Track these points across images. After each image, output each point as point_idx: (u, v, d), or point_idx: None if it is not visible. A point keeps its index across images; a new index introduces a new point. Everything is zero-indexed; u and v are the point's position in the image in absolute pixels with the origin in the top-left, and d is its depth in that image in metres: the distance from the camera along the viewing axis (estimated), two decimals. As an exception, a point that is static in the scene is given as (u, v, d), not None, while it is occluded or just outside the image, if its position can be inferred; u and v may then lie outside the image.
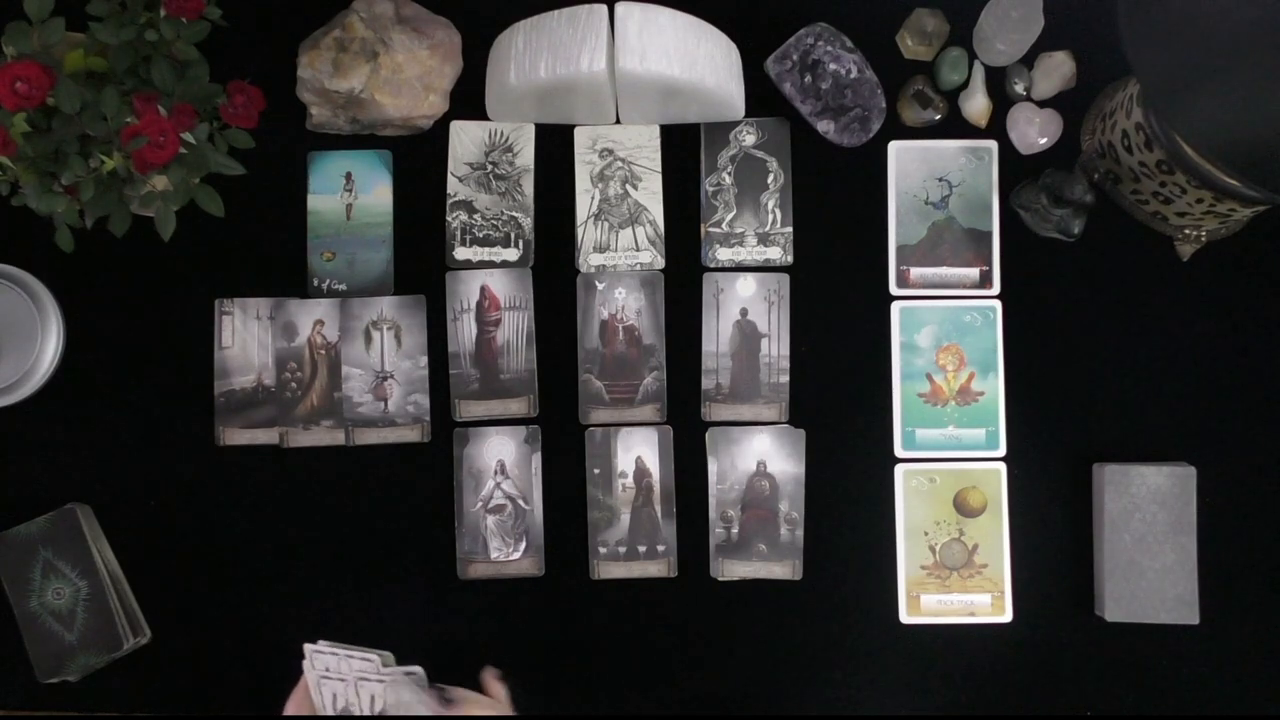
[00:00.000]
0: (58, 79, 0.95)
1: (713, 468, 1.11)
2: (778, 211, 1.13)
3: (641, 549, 1.11)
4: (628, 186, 1.13)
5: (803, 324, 1.12)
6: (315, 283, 1.13)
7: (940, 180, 1.13)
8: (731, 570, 1.11)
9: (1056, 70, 1.13)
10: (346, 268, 1.13)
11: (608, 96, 1.09)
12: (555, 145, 1.14)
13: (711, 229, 1.13)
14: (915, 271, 1.13)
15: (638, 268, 1.13)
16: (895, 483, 1.11)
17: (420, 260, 1.13)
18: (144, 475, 1.11)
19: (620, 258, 1.13)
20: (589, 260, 1.13)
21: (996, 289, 1.13)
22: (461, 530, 1.11)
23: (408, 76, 1.10)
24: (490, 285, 1.13)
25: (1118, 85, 1.11)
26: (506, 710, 0.98)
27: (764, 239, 1.13)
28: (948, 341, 1.12)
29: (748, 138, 1.14)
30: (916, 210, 1.13)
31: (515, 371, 1.12)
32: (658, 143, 1.14)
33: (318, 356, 1.12)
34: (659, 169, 1.14)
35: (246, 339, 1.12)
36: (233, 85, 1.02)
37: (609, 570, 1.11)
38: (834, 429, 1.12)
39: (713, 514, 1.11)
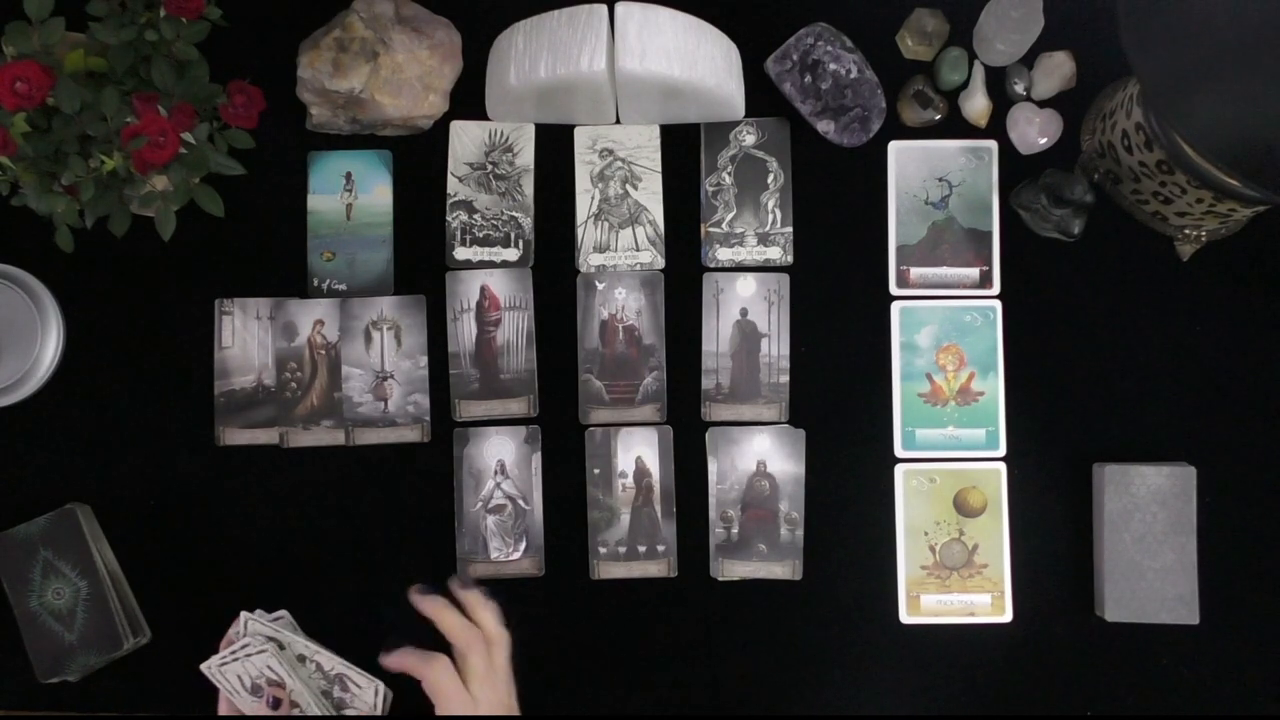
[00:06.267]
0: (58, 79, 0.95)
1: (713, 468, 1.11)
2: (778, 211, 1.13)
3: (641, 549, 1.11)
4: (628, 186, 1.13)
5: (803, 324, 1.13)
6: (315, 283, 1.13)
7: (940, 180, 1.13)
8: (731, 570, 1.11)
9: (1056, 70, 1.13)
10: (346, 268, 1.13)
11: (608, 96, 1.09)
12: (555, 145, 1.14)
13: (711, 229, 1.13)
14: (915, 271, 1.13)
15: (638, 268, 1.13)
16: (895, 483, 1.11)
17: (420, 260, 1.13)
18: (144, 475, 1.11)
19: (620, 258, 1.13)
20: (589, 260, 1.13)
21: (996, 289, 1.13)
22: (461, 530, 1.11)
23: (408, 76, 1.10)
24: (490, 285, 1.13)
25: (1118, 85, 1.11)
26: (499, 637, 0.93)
27: (764, 239, 1.13)
28: (948, 341, 1.12)
29: (748, 138, 1.14)
30: (916, 210, 1.13)
31: (515, 371, 1.12)
32: (658, 143, 1.14)
33: (318, 356, 1.12)
34: (659, 169, 1.14)
35: (246, 339, 1.12)
36: (233, 85, 1.02)
37: (609, 570, 1.11)
38: (834, 429, 1.12)
39: (713, 514, 1.11)
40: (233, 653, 0.93)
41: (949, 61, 1.12)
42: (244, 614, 0.95)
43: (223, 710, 0.95)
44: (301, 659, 0.94)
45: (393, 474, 1.12)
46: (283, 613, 0.96)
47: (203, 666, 0.94)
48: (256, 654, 0.93)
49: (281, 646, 0.93)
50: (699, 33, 1.06)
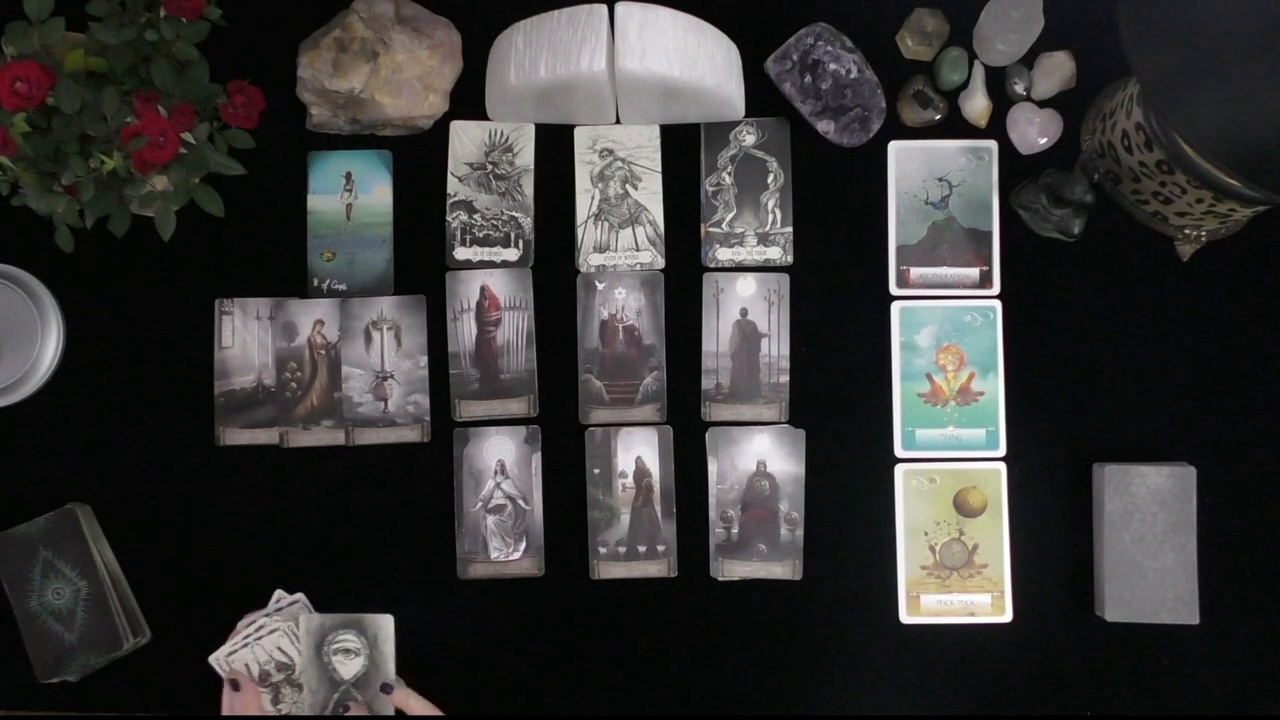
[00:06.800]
0: (58, 79, 0.95)
1: (713, 468, 1.11)
2: (778, 211, 1.13)
3: (641, 549, 1.11)
4: (628, 186, 1.13)
5: (803, 324, 1.12)
6: (315, 283, 1.13)
7: (940, 180, 1.13)
8: (731, 570, 1.11)
9: (1056, 70, 1.13)
10: (346, 268, 1.13)
11: (608, 96, 1.09)
12: (555, 145, 1.14)
13: (711, 229, 1.13)
14: (915, 271, 1.13)
15: (638, 268, 1.13)
16: (895, 483, 1.11)
17: (420, 260, 1.13)
18: (144, 475, 1.11)
19: (620, 258, 1.13)
20: (589, 260, 1.13)
21: (996, 289, 1.13)
22: (461, 530, 1.11)
23: (408, 76, 1.10)
24: (490, 285, 1.13)
25: (1118, 85, 1.11)
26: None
27: (764, 239, 1.13)
28: (948, 341, 1.12)
29: (748, 138, 1.14)
30: (916, 210, 1.13)
31: (515, 371, 1.12)
32: (658, 143, 1.14)
33: (318, 356, 1.12)
34: (659, 169, 1.14)
35: (246, 339, 1.12)
36: (233, 85, 1.02)
37: (609, 570, 1.11)
38: (834, 429, 1.12)
39: (713, 514, 1.11)
40: (244, 638, 0.93)
41: (949, 61, 1.12)
42: (278, 591, 0.96)
43: (225, 708, 0.95)
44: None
45: (393, 474, 1.12)
46: (299, 596, 0.96)
47: (211, 659, 0.94)
48: (268, 635, 0.93)
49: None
50: (699, 33, 1.06)
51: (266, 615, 0.95)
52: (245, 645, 0.93)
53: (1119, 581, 1.07)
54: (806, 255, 1.13)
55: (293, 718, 0.93)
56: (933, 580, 1.11)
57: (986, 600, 1.10)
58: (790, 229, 1.13)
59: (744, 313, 1.12)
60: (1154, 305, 1.12)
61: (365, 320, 1.12)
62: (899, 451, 1.12)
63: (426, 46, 1.11)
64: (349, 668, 0.92)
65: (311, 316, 1.13)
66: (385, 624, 0.93)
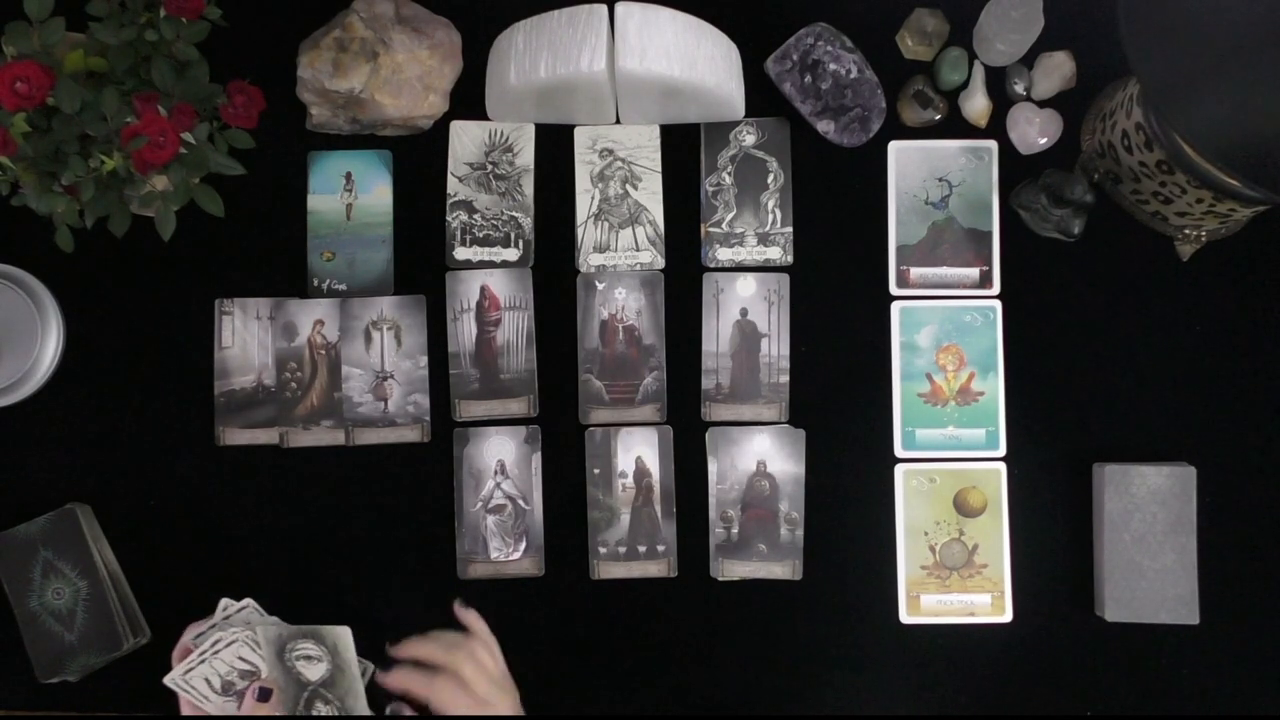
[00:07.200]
0: (58, 79, 0.95)
1: (713, 468, 1.11)
2: (778, 211, 1.13)
3: (641, 549, 1.11)
4: (628, 186, 1.13)
5: (803, 324, 1.13)
6: (315, 283, 1.13)
7: (940, 180, 1.13)
8: (731, 570, 1.11)
9: (1056, 70, 1.13)
10: (346, 268, 1.13)
11: (608, 96, 1.09)
12: (555, 145, 1.14)
13: (711, 229, 1.13)
14: (915, 271, 1.13)
15: (638, 268, 1.13)
16: (895, 483, 1.11)
17: (420, 260, 1.13)
18: (144, 475, 1.11)
19: (620, 258, 1.13)
20: (589, 260, 1.13)
21: (996, 289, 1.13)
22: (461, 530, 1.11)
23: (408, 76, 1.10)
24: (490, 285, 1.13)
25: (1118, 85, 1.11)
26: (490, 643, 0.96)
27: (764, 239, 1.13)
28: (948, 341, 1.12)
29: (748, 138, 1.14)
30: (916, 210, 1.13)
31: (515, 371, 1.12)
32: (658, 143, 1.14)
33: (318, 356, 1.12)
34: (659, 169, 1.14)
35: (246, 339, 1.12)
36: (233, 85, 1.02)
37: (609, 570, 1.11)
38: (834, 429, 1.12)
39: (713, 514, 1.11)
40: (200, 655, 0.93)
41: (949, 61, 1.12)
42: (224, 600, 0.95)
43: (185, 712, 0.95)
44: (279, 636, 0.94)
45: (393, 474, 1.12)
46: (248, 601, 0.96)
47: (166, 680, 0.93)
48: (226, 648, 0.93)
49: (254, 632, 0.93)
50: (699, 33, 1.06)
51: (213, 625, 0.94)
52: (203, 662, 0.93)
53: (1119, 581, 1.07)
54: (806, 255, 1.13)
55: (270, 718, 0.93)
56: (933, 580, 1.11)
57: (986, 600, 1.10)
58: (790, 229, 1.13)
59: (744, 313, 1.12)
60: (1154, 305, 1.12)
61: (365, 320, 1.12)
62: (899, 451, 1.12)
63: (426, 46, 1.11)
64: (313, 671, 0.92)
65: (311, 316, 1.13)
66: (343, 634, 0.92)
